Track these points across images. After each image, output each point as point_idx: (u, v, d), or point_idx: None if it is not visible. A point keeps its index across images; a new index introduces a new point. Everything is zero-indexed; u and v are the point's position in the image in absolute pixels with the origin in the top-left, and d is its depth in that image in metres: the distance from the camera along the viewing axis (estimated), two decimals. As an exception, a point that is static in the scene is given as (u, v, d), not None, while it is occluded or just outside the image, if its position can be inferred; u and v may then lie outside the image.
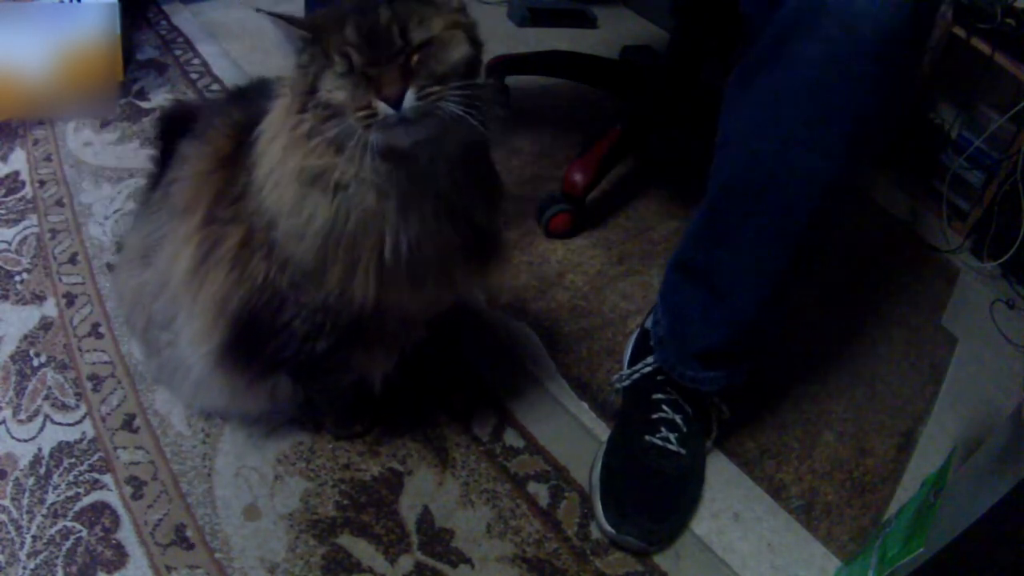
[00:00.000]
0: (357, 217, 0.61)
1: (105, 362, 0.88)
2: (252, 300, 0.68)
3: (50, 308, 0.93)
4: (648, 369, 0.91)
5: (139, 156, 1.20)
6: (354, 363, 0.74)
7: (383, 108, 0.55)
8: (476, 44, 0.61)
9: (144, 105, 1.33)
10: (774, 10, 0.68)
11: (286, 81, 0.63)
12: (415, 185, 0.61)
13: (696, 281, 0.85)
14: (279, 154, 0.62)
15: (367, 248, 0.62)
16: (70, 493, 0.75)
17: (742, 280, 0.81)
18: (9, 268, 0.97)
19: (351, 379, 0.77)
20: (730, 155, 0.77)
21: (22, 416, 0.81)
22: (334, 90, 0.57)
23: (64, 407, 0.82)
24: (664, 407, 0.88)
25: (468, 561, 0.77)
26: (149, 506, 0.75)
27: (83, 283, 0.97)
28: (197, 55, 1.49)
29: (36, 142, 1.20)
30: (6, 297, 0.94)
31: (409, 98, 0.55)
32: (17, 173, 1.14)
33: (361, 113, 0.56)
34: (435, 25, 0.58)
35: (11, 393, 0.83)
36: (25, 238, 1.02)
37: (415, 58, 0.57)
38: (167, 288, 0.72)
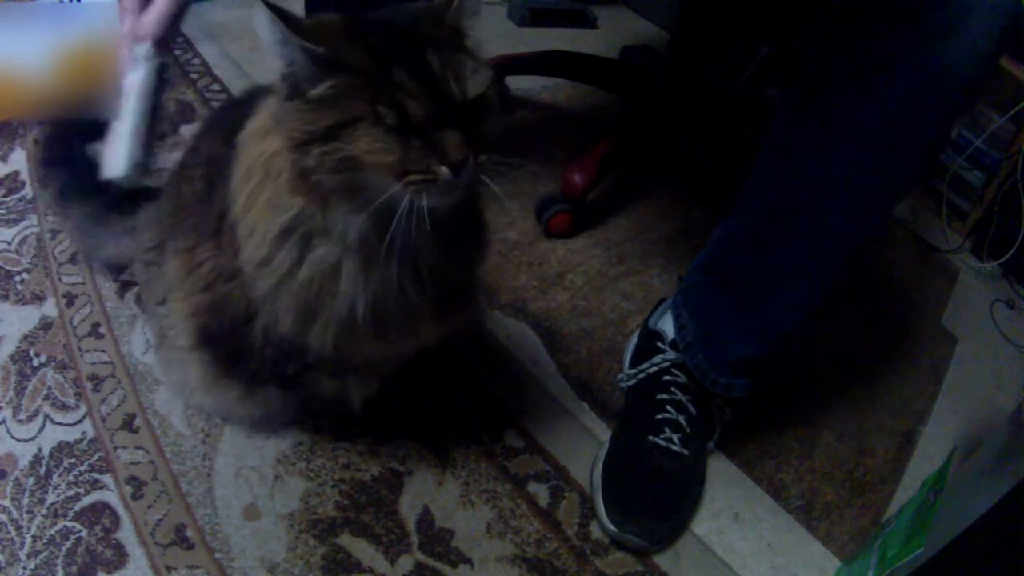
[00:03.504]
0: (311, 271, 0.57)
1: (105, 362, 0.88)
2: (223, 322, 0.67)
3: (50, 308, 0.93)
4: (654, 369, 0.91)
5: (139, 156, 1.20)
6: (325, 389, 0.74)
7: (444, 174, 0.50)
8: (506, 112, 0.57)
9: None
10: (861, 45, 0.68)
11: (270, 103, 0.56)
12: (386, 247, 0.56)
13: (732, 290, 0.85)
14: (260, 207, 0.57)
15: (324, 304, 0.59)
16: (70, 493, 0.74)
17: (786, 294, 0.81)
18: (9, 268, 0.97)
19: (329, 396, 0.76)
20: (785, 172, 0.77)
21: (22, 416, 0.81)
22: (376, 152, 0.49)
23: (64, 407, 0.82)
24: (668, 408, 0.88)
25: (468, 561, 0.77)
26: (149, 506, 0.75)
27: (83, 283, 0.97)
28: (197, 55, 1.49)
29: (36, 142, 1.20)
30: (6, 297, 0.93)
31: (469, 164, 0.51)
32: (17, 173, 1.13)
33: (416, 178, 0.50)
34: (483, 80, 0.53)
35: (11, 393, 0.83)
36: (25, 238, 1.02)
37: (471, 117, 0.51)
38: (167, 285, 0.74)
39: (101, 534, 0.72)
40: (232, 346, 0.69)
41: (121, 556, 0.70)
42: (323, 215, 0.55)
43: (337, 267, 0.58)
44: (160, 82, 0.66)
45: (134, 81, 0.66)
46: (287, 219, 0.56)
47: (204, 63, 1.47)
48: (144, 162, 0.65)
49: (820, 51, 0.75)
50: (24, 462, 0.77)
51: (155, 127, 0.68)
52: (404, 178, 0.50)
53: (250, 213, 0.58)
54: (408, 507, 0.80)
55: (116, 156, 0.66)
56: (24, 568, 0.68)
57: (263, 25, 0.49)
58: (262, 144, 0.58)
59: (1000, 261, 1.45)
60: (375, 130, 0.49)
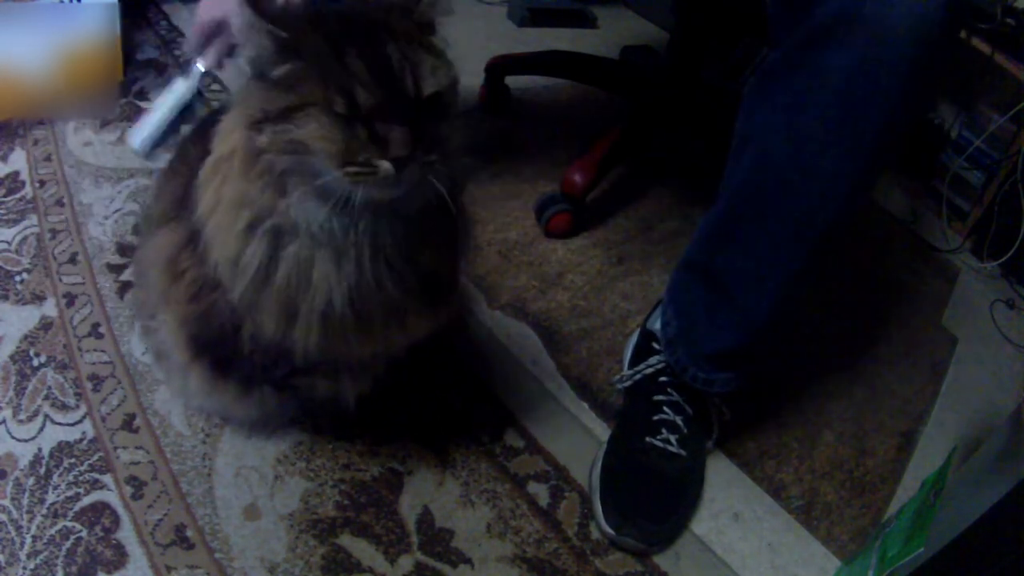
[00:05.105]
0: (286, 269, 0.57)
1: (105, 362, 0.88)
2: (213, 332, 0.67)
3: (50, 308, 0.93)
4: (650, 370, 0.91)
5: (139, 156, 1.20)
6: (318, 389, 0.73)
7: (385, 168, 0.50)
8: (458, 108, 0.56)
9: (144, 105, 1.32)
10: (804, 17, 0.67)
11: (234, 95, 0.57)
12: (352, 236, 0.56)
13: (708, 283, 0.84)
14: (225, 205, 0.57)
15: (303, 302, 0.59)
16: (70, 493, 0.74)
17: (756, 283, 0.80)
18: (9, 268, 0.97)
19: (323, 396, 0.76)
20: (748, 157, 0.77)
21: (22, 416, 0.81)
22: (320, 138, 0.50)
23: (64, 407, 0.82)
24: (665, 408, 0.88)
25: (468, 561, 0.77)
26: (149, 506, 0.75)
27: (83, 283, 0.97)
28: (197, 55, 1.49)
29: (36, 142, 1.20)
30: (6, 297, 0.93)
31: (415, 162, 0.51)
32: (17, 173, 1.13)
33: (354, 169, 0.50)
34: (443, 78, 0.53)
35: (11, 393, 0.83)
36: (25, 238, 1.02)
37: (423, 115, 0.52)
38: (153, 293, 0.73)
39: (101, 534, 0.72)
40: (225, 353, 0.69)
41: (121, 556, 0.70)
42: (282, 201, 0.55)
43: (311, 262, 0.57)
44: (198, 99, 0.81)
45: (180, 85, 0.80)
46: (252, 213, 0.56)
47: (204, 63, 1.47)
48: (158, 147, 0.81)
49: (776, 29, 0.73)
50: (24, 462, 0.77)
51: (178, 130, 0.83)
52: (344, 167, 0.51)
53: (215, 212, 0.58)
54: (408, 507, 0.80)
55: (139, 133, 0.81)
56: (24, 568, 0.68)
57: (235, 11, 0.51)
58: (226, 141, 0.58)
59: (1000, 261, 1.45)
60: (324, 116, 0.50)
